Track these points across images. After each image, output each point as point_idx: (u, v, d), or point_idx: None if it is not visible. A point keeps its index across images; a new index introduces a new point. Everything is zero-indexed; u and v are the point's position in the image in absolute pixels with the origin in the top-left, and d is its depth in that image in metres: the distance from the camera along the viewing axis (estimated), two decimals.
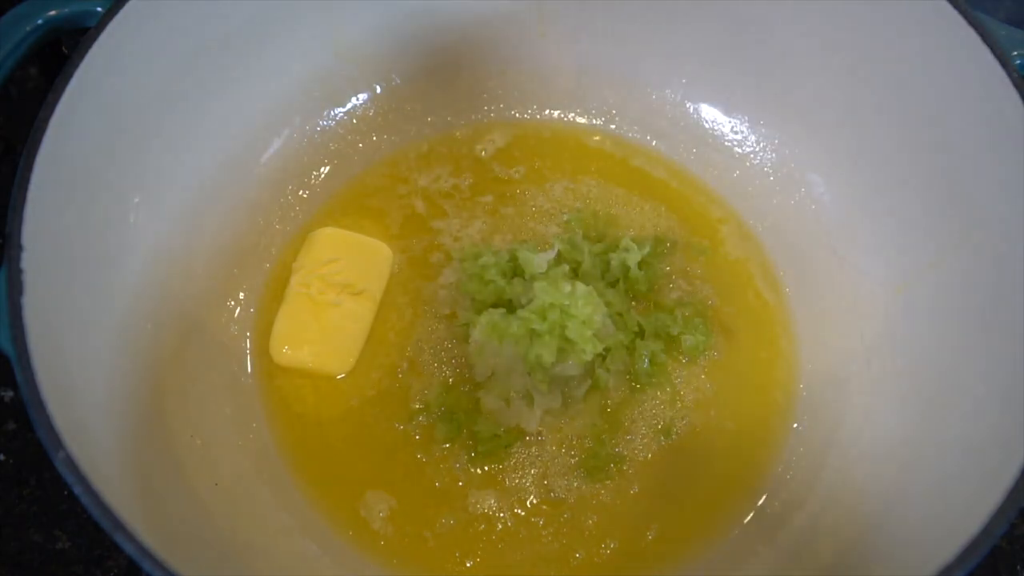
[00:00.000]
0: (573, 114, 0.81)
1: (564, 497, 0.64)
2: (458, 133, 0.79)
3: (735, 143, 0.78)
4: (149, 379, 0.60)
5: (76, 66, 0.54)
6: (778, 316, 0.72)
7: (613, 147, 0.79)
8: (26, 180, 0.50)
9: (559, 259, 0.69)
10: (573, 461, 0.65)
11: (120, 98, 0.59)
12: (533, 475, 0.64)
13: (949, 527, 0.47)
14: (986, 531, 0.45)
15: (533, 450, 0.65)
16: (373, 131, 0.79)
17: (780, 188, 0.76)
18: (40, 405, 0.45)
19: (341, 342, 0.68)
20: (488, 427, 0.65)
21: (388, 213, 0.75)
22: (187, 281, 0.67)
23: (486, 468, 0.64)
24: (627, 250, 0.69)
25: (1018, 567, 0.67)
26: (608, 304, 0.67)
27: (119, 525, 0.44)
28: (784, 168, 0.76)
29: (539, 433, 0.65)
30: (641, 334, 0.68)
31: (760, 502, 0.64)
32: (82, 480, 0.44)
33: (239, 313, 0.70)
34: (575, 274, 0.69)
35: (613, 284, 0.70)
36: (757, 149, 0.77)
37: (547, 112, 0.81)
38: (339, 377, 0.68)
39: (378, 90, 0.79)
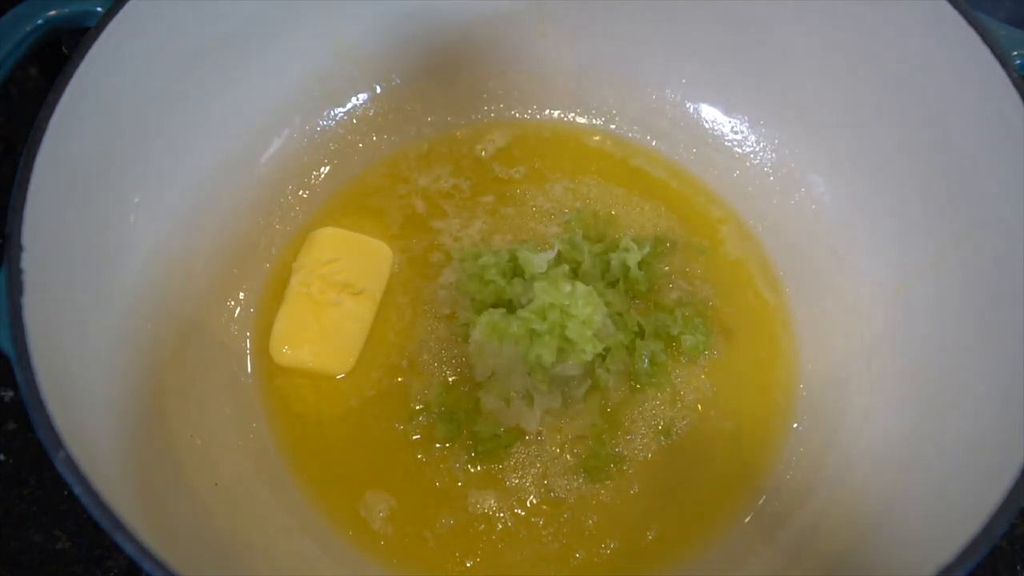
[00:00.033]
0: (573, 114, 0.81)
1: (564, 497, 0.64)
2: (458, 133, 0.79)
3: (735, 143, 0.78)
4: (149, 379, 0.60)
5: (76, 66, 0.54)
6: (778, 316, 0.72)
7: (613, 147, 0.79)
8: (26, 180, 0.50)
9: (559, 259, 0.69)
10: (573, 461, 0.65)
11: (120, 98, 0.59)
12: (533, 475, 0.64)
13: (949, 527, 0.47)
14: (986, 531, 0.45)
15: (533, 450, 0.65)
16: (373, 131, 0.79)
17: (780, 188, 0.76)
18: (40, 405, 0.45)
19: (341, 342, 0.68)
20: (488, 427, 0.65)
21: (388, 213, 0.75)
22: (187, 281, 0.67)
23: (486, 468, 0.64)
24: (627, 250, 0.69)
25: (1018, 567, 0.67)
26: (608, 304, 0.67)
27: (119, 525, 0.44)
28: (784, 168, 0.76)
29: (539, 433, 0.65)
30: (641, 334, 0.68)
31: (760, 502, 0.64)
32: (82, 480, 0.44)
33: (239, 313, 0.70)
34: (575, 274, 0.69)
35: (613, 284, 0.70)
36: (757, 149, 0.77)
37: (547, 112, 0.81)
38: (339, 377, 0.68)
39: (378, 90, 0.79)
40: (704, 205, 0.77)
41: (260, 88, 0.72)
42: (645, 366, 0.66)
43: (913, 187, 0.65)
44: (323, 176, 0.77)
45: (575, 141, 0.80)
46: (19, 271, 0.48)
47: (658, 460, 0.65)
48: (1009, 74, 0.56)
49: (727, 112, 0.78)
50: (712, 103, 0.78)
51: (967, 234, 0.60)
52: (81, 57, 0.55)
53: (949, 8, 0.58)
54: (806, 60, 0.70)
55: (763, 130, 0.77)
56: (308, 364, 0.67)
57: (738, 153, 0.78)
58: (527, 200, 0.76)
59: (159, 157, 0.64)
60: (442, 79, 0.79)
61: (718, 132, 0.79)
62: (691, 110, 0.79)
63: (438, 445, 0.65)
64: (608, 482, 0.64)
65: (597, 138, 0.80)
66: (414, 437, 0.66)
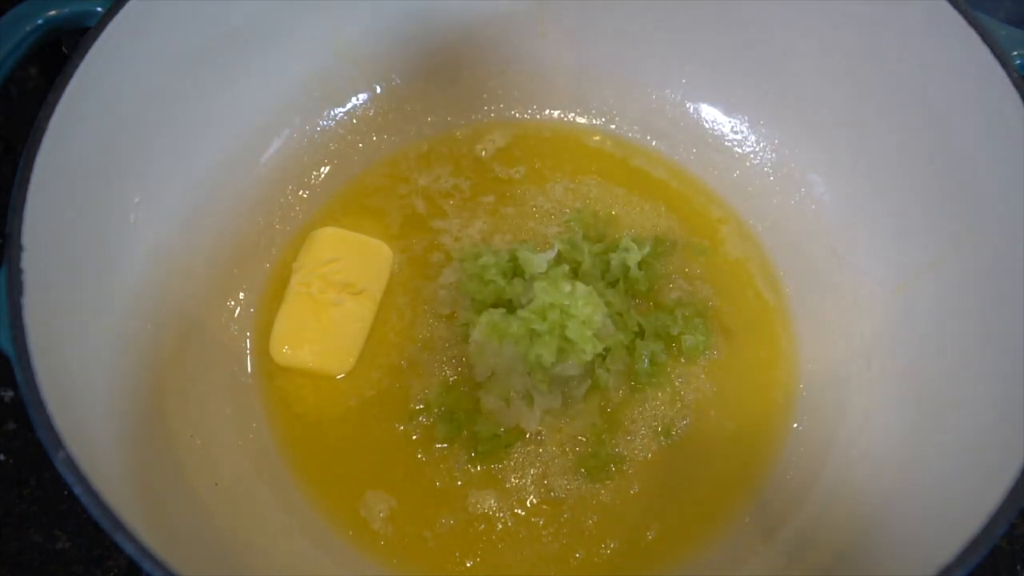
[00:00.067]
0: (573, 114, 0.81)
1: (564, 497, 0.64)
2: (458, 133, 0.79)
3: (735, 143, 0.78)
4: (149, 379, 0.60)
5: (76, 66, 0.54)
6: (778, 316, 0.72)
7: (613, 147, 0.79)
8: (26, 180, 0.50)
9: (559, 259, 0.69)
10: (573, 461, 0.65)
11: (120, 98, 0.59)
12: (533, 475, 0.64)
13: (949, 527, 0.47)
14: (986, 531, 0.45)
15: (533, 450, 0.65)
16: (373, 131, 0.79)
17: (780, 188, 0.76)
18: (40, 405, 0.45)
19: (341, 342, 0.68)
20: (488, 427, 0.65)
21: (388, 213, 0.75)
22: (187, 281, 0.67)
23: (486, 468, 0.64)
24: (627, 250, 0.69)
25: (1018, 567, 0.67)
26: (608, 304, 0.67)
27: (119, 525, 0.44)
28: (784, 168, 0.76)
29: (539, 433, 0.65)
30: (641, 334, 0.68)
31: (760, 502, 0.64)
32: (82, 480, 0.44)
33: (239, 313, 0.70)
34: (575, 274, 0.69)
35: (613, 284, 0.70)
36: (757, 149, 0.77)
37: (547, 112, 0.81)
38: (339, 377, 0.68)
39: (378, 90, 0.79)
40: (704, 205, 0.77)
41: (260, 88, 0.72)
42: (645, 366, 0.66)
43: (913, 187, 0.65)
44: (323, 176, 0.77)
45: (575, 141, 0.80)
46: (19, 271, 0.48)
47: (658, 460, 0.65)
48: (1009, 74, 0.56)
49: (727, 112, 0.78)
50: (712, 103, 0.78)
51: (967, 234, 0.60)
52: (81, 57, 0.55)
53: (949, 8, 0.58)
54: (806, 60, 0.70)
55: (763, 130, 0.77)
56: (308, 364, 0.67)
57: (738, 153, 0.78)
58: (527, 200, 0.76)
59: (159, 157, 0.64)
60: (442, 79, 0.79)
61: (718, 132, 0.79)
62: (691, 110, 0.79)
63: (438, 445, 0.65)
64: (608, 482, 0.64)
65: (597, 138, 0.80)
66: (414, 437, 0.66)
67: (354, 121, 0.78)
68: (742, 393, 0.68)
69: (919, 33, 0.61)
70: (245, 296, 0.71)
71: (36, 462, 0.68)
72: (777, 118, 0.76)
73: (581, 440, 0.65)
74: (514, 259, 0.69)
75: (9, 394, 0.71)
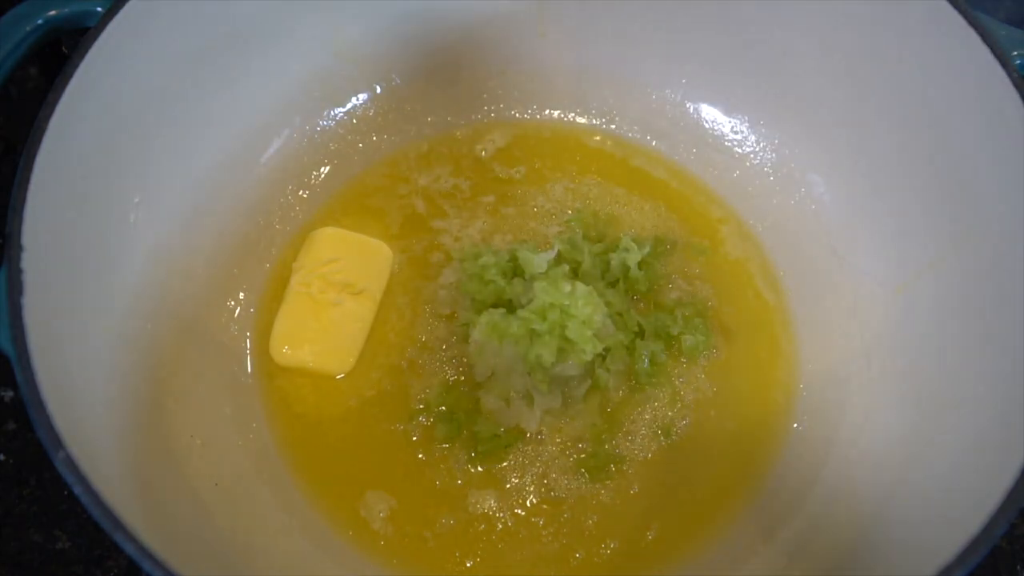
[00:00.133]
0: (573, 114, 0.81)
1: (564, 497, 0.64)
2: (458, 133, 0.79)
3: (735, 143, 0.78)
4: (149, 379, 0.60)
5: (76, 66, 0.54)
6: (778, 316, 0.72)
7: (613, 147, 0.79)
8: (26, 180, 0.50)
9: (559, 259, 0.69)
10: (573, 461, 0.65)
11: (120, 98, 0.59)
12: (533, 475, 0.64)
13: (949, 527, 0.47)
14: (986, 531, 0.45)
15: (533, 450, 0.65)
16: (373, 131, 0.79)
17: (780, 188, 0.76)
18: (40, 405, 0.45)
19: (341, 342, 0.68)
20: (488, 427, 0.65)
21: (388, 213, 0.75)
22: (187, 281, 0.67)
23: (486, 468, 0.64)
24: (627, 250, 0.69)
25: (1018, 567, 0.67)
26: (608, 304, 0.67)
27: (119, 525, 0.44)
28: (784, 168, 0.76)
29: (539, 433, 0.65)
30: (641, 334, 0.68)
31: (760, 502, 0.64)
32: (82, 480, 0.44)
33: (239, 313, 0.70)
34: (575, 274, 0.69)
35: (613, 284, 0.70)
36: (757, 149, 0.77)
37: (547, 112, 0.81)
38: (339, 377, 0.68)
39: (378, 90, 0.79)
40: (704, 205, 0.77)
41: (260, 88, 0.72)
42: (645, 366, 0.66)
43: (913, 187, 0.65)
44: (323, 176, 0.77)
45: (575, 141, 0.80)
46: (19, 271, 0.48)
47: (658, 460, 0.65)
48: (1009, 74, 0.56)
49: (727, 112, 0.78)
50: (712, 103, 0.78)
51: (967, 234, 0.60)
52: (81, 57, 0.55)
53: (949, 8, 0.58)
54: (806, 60, 0.70)
55: (763, 130, 0.77)
56: (308, 364, 0.67)
57: (738, 153, 0.78)
58: (527, 200, 0.76)
59: (159, 157, 0.64)
60: (442, 79, 0.79)
61: (718, 132, 0.79)
62: (691, 110, 0.79)
63: (438, 445, 0.65)
64: (608, 482, 0.64)
65: (597, 138, 0.80)
66: (414, 437, 0.66)
67: (354, 121, 0.78)
68: (742, 393, 0.68)
69: (919, 33, 0.61)
70: (245, 296, 0.71)
71: (36, 462, 0.68)
72: (777, 118, 0.76)
73: (581, 440, 0.65)
74: (514, 259, 0.69)
75: (9, 394, 0.71)
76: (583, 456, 0.65)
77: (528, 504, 0.63)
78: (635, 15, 0.75)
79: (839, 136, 0.71)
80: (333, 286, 0.69)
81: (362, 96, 0.79)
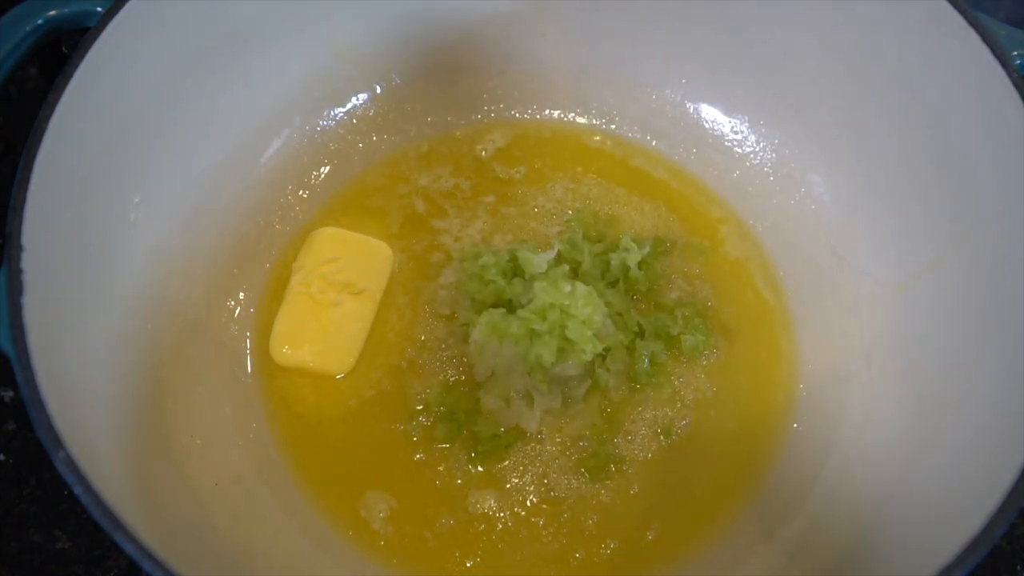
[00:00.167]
0: (573, 114, 0.81)
1: (564, 497, 0.64)
2: (458, 133, 0.79)
3: (735, 143, 0.78)
4: (149, 379, 0.60)
5: (76, 66, 0.54)
6: (778, 316, 0.72)
7: (613, 147, 0.79)
8: (26, 180, 0.50)
9: (559, 259, 0.69)
10: (573, 461, 0.65)
11: (120, 98, 0.59)
12: (533, 475, 0.64)
13: (949, 527, 0.47)
14: (986, 531, 0.45)
15: (533, 450, 0.65)
16: (373, 131, 0.79)
17: (780, 188, 0.76)
18: (40, 405, 0.45)
19: (341, 342, 0.68)
20: (488, 427, 0.65)
21: (388, 213, 0.75)
22: (187, 281, 0.67)
23: (486, 468, 0.64)
24: (627, 250, 0.69)
25: (1018, 567, 0.67)
26: (608, 304, 0.67)
27: (119, 525, 0.44)
28: (784, 168, 0.76)
29: (539, 433, 0.65)
30: (641, 334, 0.68)
31: (760, 502, 0.64)
32: (82, 480, 0.44)
33: (239, 313, 0.70)
34: (575, 274, 0.69)
35: (613, 284, 0.70)
36: (757, 149, 0.77)
37: (547, 112, 0.81)
38: (339, 377, 0.68)
39: (378, 90, 0.79)
40: (704, 205, 0.77)
41: (260, 88, 0.72)
42: (645, 366, 0.66)
43: (913, 187, 0.65)
44: (323, 176, 0.77)
45: (575, 141, 0.80)
46: (19, 271, 0.48)
47: (658, 460, 0.65)
48: (1009, 74, 0.56)
49: (727, 112, 0.78)
50: (712, 103, 0.78)
51: (967, 234, 0.60)
52: (81, 57, 0.55)
53: (949, 8, 0.58)
54: (806, 60, 0.70)
55: (763, 130, 0.77)
56: (308, 364, 0.67)
57: (738, 153, 0.78)
58: (527, 200, 0.76)
59: (159, 157, 0.64)
60: (442, 79, 0.79)
61: (718, 132, 0.79)
62: (691, 110, 0.79)
63: (438, 445, 0.65)
64: (608, 482, 0.64)
65: (597, 138, 0.80)
66: (414, 437, 0.66)
67: (354, 121, 0.78)
68: (742, 393, 0.68)
69: (919, 33, 0.61)
70: (245, 296, 0.71)
71: (36, 462, 0.68)
72: (777, 118, 0.76)
73: (581, 440, 0.65)
74: (514, 259, 0.69)
75: (9, 394, 0.71)
76: (583, 456, 0.65)
77: (528, 504, 0.63)
78: (635, 15, 0.75)
79: (839, 136, 0.71)
80: (333, 286, 0.69)
81: (362, 96, 0.79)
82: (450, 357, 0.69)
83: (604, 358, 0.66)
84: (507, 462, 0.65)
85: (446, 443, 0.65)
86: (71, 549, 0.66)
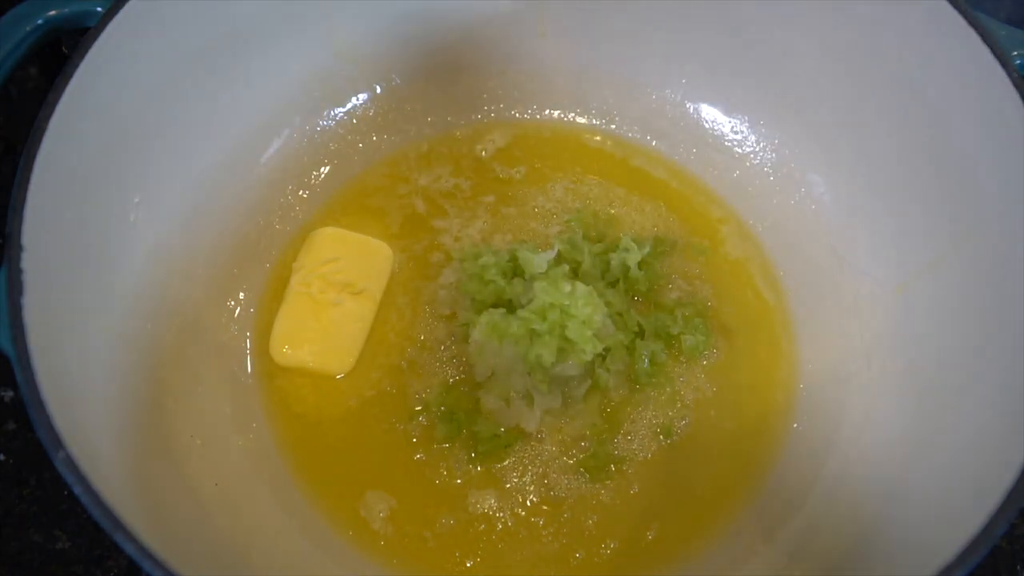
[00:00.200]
0: (573, 114, 0.81)
1: (564, 497, 0.64)
2: (458, 133, 0.79)
3: (735, 143, 0.78)
4: (149, 379, 0.60)
5: (76, 66, 0.54)
6: (778, 316, 0.72)
7: (613, 147, 0.79)
8: (26, 180, 0.50)
9: (559, 259, 0.69)
10: (573, 461, 0.65)
11: (120, 98, 0.59)
12: (533, 475, 0.64)
13: (949, 527, 0.47)
14: (986, 531, 0.45)
15: (533, 450, 0.65)
16: (373, 131, 0.79)
17: (780, 188, 0.76)
18: (40, 405, 0.45)
19: (341, 342, 0.68)
20: (488, 427, 0.65)
21: (388, 213, 0.75)
22: (187, 281, 0.67)
23: (486, 468, 0.64)
24: (627, 250, 0.69)
25: (1018, 567, 0.67)
26: (608, 304, 0.67)
27: (119, 525, 0.44)
28: (784, 168, 0.76)
29: (539, 433, 0.65)
30: (641, 334, 0.68)
31: (760, 502, 0.64)
32: (82, 480, 0.44)
33: (239, 313, 0.70)
34: (575, 274, 0.69)
35: (613, 284, 0.70)
36: (757, 149, 0.77)
37: (547, 112, 0.81)
38: (339, 377, 0.68)
39: (378, 90, 0.79)
40: (704, 205, 0.77)
41: (260, 88, 0.72)
42: (645, 366, 0.66)
43: (913, 187, 0.65)
44: (323, 176, 0.77)
45: (575, 141, 0.80)
46: (19, 271, 0.48)
47: (658, 460, 0.65)
48: (1009, 74, 0.56)
49: (727, 112, 0.78)
50: (712, 103, 0.78)
51: (967, 234, 0.60)
52: (81, 57, 0.55)
53: (949, 8, 0.58)
54: (806, 60, 0.70)
55: (763, 130, 0.77)
56: (308, 364, 0.67)
57: (738, 153, 0.78)
58: (527, 200, 0.76)
59: (159, 157, 0.64)
60: (442, 79, 0.79)
61: (718, 132, 0.79)
62: (691, 110, 0.79)
63: (438, 445, 0.65)
64: (608, 482, 0.64)
65: (597, 138, 0.80)
66: (414, 437, 0.66)
67: (354, 121, 0.78)
68: (742, 393, 0.68)
69: (919, 33, 0.61)
70: (245, 296, 0.71)
71: (36, 462, 0.68)
72: (777, 118, 0.76)
73: (581, 440, 0.65)
74: (514, 259, 0.69)
75: (9, 394, 0.71)
76: (583, 456, 0.65)
77: (528, 504, 0.63)
78: (635, 15, 0.75)
79: (839, 136, 0.71)
80: (333, 286, 0.69)
81: (362, 96, 0.79)
82: (450, 357, 0.69)
83: (604, 358, 0.66)
84: (507, 462, 0.65)
85: (446, 443, 0.65)
86: (71, 549, 0.66)
